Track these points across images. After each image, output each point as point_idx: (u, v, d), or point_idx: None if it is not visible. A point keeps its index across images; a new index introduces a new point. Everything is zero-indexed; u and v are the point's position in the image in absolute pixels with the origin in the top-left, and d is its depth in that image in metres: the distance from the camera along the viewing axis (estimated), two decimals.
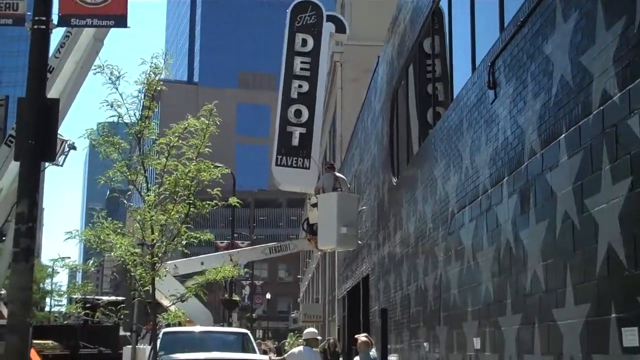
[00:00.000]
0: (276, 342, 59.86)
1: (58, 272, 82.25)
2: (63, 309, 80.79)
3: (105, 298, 24.20)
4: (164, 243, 12.47)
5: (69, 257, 62.66)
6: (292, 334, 60.63)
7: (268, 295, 76.76)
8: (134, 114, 12.41)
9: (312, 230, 23.91)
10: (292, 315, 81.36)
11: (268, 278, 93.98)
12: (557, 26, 7.43)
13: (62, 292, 79.59)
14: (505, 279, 8.87)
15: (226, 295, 40.09)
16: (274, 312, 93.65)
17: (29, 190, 9.72)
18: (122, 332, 23.20)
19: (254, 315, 69.48)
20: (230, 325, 39.00)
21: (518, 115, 8.51)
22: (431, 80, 14.51)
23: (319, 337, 17.17)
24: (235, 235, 50.64)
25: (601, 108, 6.32)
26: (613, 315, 6.05)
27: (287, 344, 47.73)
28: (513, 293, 8.60)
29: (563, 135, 7.13)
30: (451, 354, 11.46)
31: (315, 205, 22.61)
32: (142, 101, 12.54)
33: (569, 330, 6.93)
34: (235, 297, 44.32)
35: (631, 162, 5.78)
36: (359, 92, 27.27)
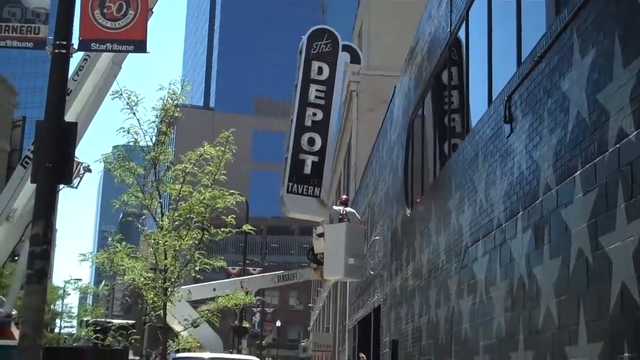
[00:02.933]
0: None
1: (69, 294, 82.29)
2: (73, 331, 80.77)
3: (116, 321, 24.21)
4: (177, 268, 12.49)
5: (81, 279, 62.74)
6: None
7: (278, 323, 76.54)
8: (151, 139, 12.51)
9: (317, 260, 23.87)
10: (302, 343, 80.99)
11: (279, 305, 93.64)
12: (574, 62, 7.44)
13: (72, 314, 79.62)
14: (518, 315, 8.82)
15: (236, 322, 40.00)
16: (284, 340, 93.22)
17: (45, 212, 9.78)
18: (131, 356, 23.20)
19: (263, 342, 69.19)
20: (239, 352, 38.89)
21: (534, 150, 8.50)
22: (447, 112, 14.53)
23: None
24: (247, 261, 50.55)
25: (617, 146, 6.30)
26: (626, 354, 6.00)
27: None
28: (525, 329, 8.54)
29: (578, 171, 7.12)
30: None
31: (321, 235, 22.58)
32: (158, 127, 12.61)
33: None
34: (246, 324, 44.20)
35: None
36: (374, 122, 27.30)
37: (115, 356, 22.77)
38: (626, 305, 6.06)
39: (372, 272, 23.40)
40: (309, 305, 77.62)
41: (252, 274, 40.01)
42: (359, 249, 21.25)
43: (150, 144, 12.61)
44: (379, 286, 22.17)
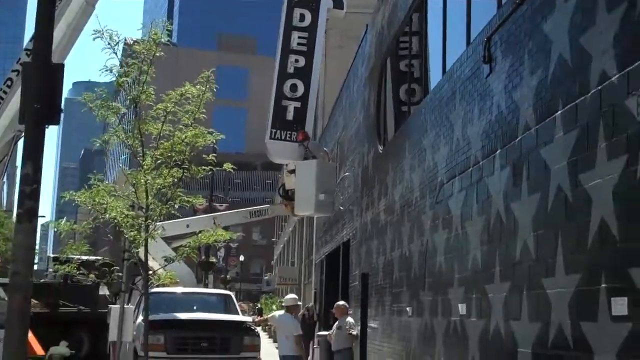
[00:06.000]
0: (253, 304, 60.42)
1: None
2: (36, 267, 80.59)
3: (93, 258, 24.43)
4: (159, 206, 12.70)
5: (44, 216, 62.83)
6: (265, 295, 61.23)
7: (242, 258, 77.23)
8: (133, 80, 12.62)
9: (288, 196, 24.21)
10: (265, 277, 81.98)
11: (242, 241, 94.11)
12: (557, 5, 7.64)
13: (37, 252, 79.51)
14: (495, 248, 9.08)
15: (203, 257, 40.35)
16: (247, 275, 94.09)
17: (34, 153, 9.89)
18: (101, 292, 23.43)
19: (227, 277, 69.88)
20: (206, 286, 39.32)
21: (513, 90, 8.73)
22: (422, 52, 14.71)
23: (299, 304, 17.61)
24: (212, 197, 50.71)
25: (599, 88, 6.56)
26: (603, 285, 6.28)
27: (262, 305, 48.22)
28: (502, 261, 8.81)
29: (559, 111, 7.37)
30: (435, 318, 11.68)
31: (292, 171, 22.92)
32: (139, 66, 12.68)
33: (558, 299, 7.15)
34: (212, 259, 44.65)
35: (627, 141, 6.03)
36: (343, 59, 27.37)
37: (86, 291, 22.97)
38: (604, 239, 6.33)
39: (341, 208, 23.76)
40: (272, 239, 78.24)
41: (218, 210, 40.25)
42: (329, 185, 21.70)
43: (132, 84, 12.71)
44: (349, 221, 22.53)
